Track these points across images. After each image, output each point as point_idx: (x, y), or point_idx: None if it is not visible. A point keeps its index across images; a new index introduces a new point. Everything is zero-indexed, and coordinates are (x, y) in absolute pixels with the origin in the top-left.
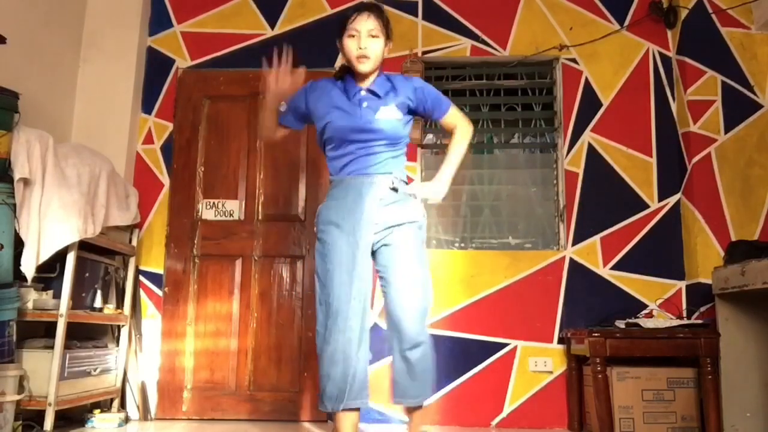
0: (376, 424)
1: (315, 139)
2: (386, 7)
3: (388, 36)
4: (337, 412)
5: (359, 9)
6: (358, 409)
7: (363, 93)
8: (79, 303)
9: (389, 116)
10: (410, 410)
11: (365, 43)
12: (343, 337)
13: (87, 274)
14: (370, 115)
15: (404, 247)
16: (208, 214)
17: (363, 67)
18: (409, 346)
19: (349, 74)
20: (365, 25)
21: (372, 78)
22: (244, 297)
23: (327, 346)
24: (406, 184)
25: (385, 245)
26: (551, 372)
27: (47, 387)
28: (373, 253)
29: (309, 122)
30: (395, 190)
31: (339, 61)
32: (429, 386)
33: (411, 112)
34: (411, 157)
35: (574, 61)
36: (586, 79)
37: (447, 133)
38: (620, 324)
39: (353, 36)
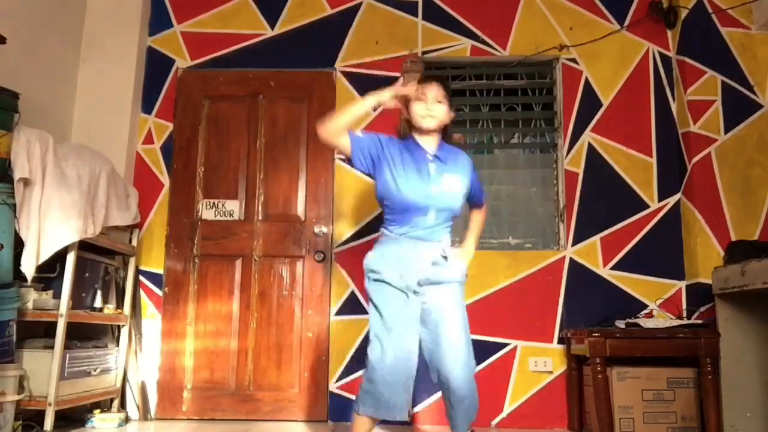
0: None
1: (314, 139)
2: (385, 7)
3: (450, 104)
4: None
5: (428, 79)
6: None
7: (429, 157)
8: (79, 303)
9: (455, 189)
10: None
11: (432, 105)
12: (398, 380)
13: (87, 274)
14: (437, 185)
15: (451, 310)
16: (208, 214)
17: (428, 123)
18: (458, 399)
19: (411, 138)
20: (432, 90)
21: (433, 141)
22: (244, 297)
23: (385, 376)
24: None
25: (433, 306)
26: (551, 372)
27: (47, 387)
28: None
29: (368, 166)
30: (445, 258)
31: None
32: (473, 419)
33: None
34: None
35: (574, 61)
36: (586, 79)
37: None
38: (620, 324)
39: (422, 100)
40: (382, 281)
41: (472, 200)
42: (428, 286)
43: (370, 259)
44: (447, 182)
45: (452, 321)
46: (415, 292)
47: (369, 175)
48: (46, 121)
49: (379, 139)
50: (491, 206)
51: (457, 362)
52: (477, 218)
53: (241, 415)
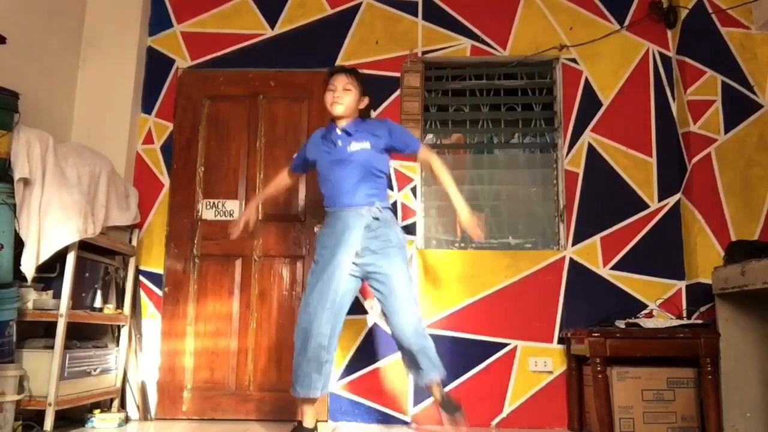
0: (376, 424)
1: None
2: (385, 7)
3: (362, 92)
4: (303, 398)
5: (336, 71)
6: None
7: (339, 132)
8: (79, 303)
9: (359, 147)
10: (430, 388)
11: (339, 93)
12: (314, 341)
13: (87, 274)
14: (344, 149)
15: (394, 274)
16: (208, 214)
17: (336, 109)
18: (411, 352)
19: (332, 123)
20: (340, 81)
21: (346, 121)
22: (244, 297)
23: (300, 345)
24: (390, 210)
25: (377, 272)
26: (551, 372)
27: (47, 387)
28: (367, 276)
29: (304, 170)
30: (377, 219)
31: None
32: (439, 366)
33: (389, 149)
34: (411, 157)
35: (574, 61)
36: (586, 79)
37: (447, 135)
38: (620, 324)
39: (331, 90)
40: (321, 261)
41: (404, 150)
42: (371, 255)
43: (317, 238)
44: (354, 146)
45: (396, 286)
46: (353, 263)
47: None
48: (46, 121)
49: (305, 146)
50: (491, 206)
51: (404, 318)
52: (438, 176)
53: (241, 415)
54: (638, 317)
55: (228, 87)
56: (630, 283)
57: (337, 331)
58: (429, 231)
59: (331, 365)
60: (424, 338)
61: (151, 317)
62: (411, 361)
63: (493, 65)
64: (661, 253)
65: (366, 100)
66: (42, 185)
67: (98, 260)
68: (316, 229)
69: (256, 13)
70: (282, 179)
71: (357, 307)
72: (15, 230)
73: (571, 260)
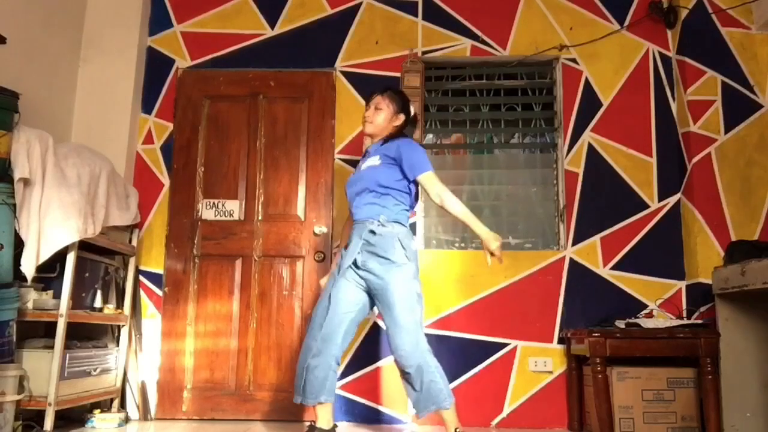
0: (376, 424)
1: (314, 139)
2: (385, 7)
3: (396, 110)
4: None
5: (373, 90)
6: (321, 404)
7: (368, 152)
8: (79, 303)
9: (369, 164)
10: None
11: (370, 113)
12: (305, 344)
13: (87, 274)
14: (361, 166)
15: (389, 291)
16: (208, 214)
17: (366, 128)
18: (404, 371)
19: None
20: (374, 101)
21: (375, 140)
22: (244, 297)
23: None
24: (402, 225)
25: (375, 289)
26: (551, 372)
27: (47, 387)
28: (368, 290)
29: None
30: (373, 233)
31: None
32: (436, 397)
33: (400, 167)
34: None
35: (574, 61)
36: (586, 79)
37: (447, 135)
38: (620, 324)
39: (366, 109)
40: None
41: (407, 172)
42: (365, 272)
43: None
44: (366, 163)
45: (388, 305)
46: (353, 270)
47: None
48: (46, 121)
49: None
50: (491, 206)
51: (397, 336)
52: (446, 203)
53: (241, 415)
54: (638, 317)
55: (228, 87)
56: (630, 283)
57: (334, 339)
58: (429, 231)
59: (325, 371)
60: (418, 362)
61: (151, 317)
62: (405, 383)
63: (493, 65)
64: (661, 253)
65: (401, 118)
66: (42, 185)
67: (98, 260)
68: (315, 230)
69: (256, 13)
70: None
71: None
72: (15, 230)
73: (571, 260)
